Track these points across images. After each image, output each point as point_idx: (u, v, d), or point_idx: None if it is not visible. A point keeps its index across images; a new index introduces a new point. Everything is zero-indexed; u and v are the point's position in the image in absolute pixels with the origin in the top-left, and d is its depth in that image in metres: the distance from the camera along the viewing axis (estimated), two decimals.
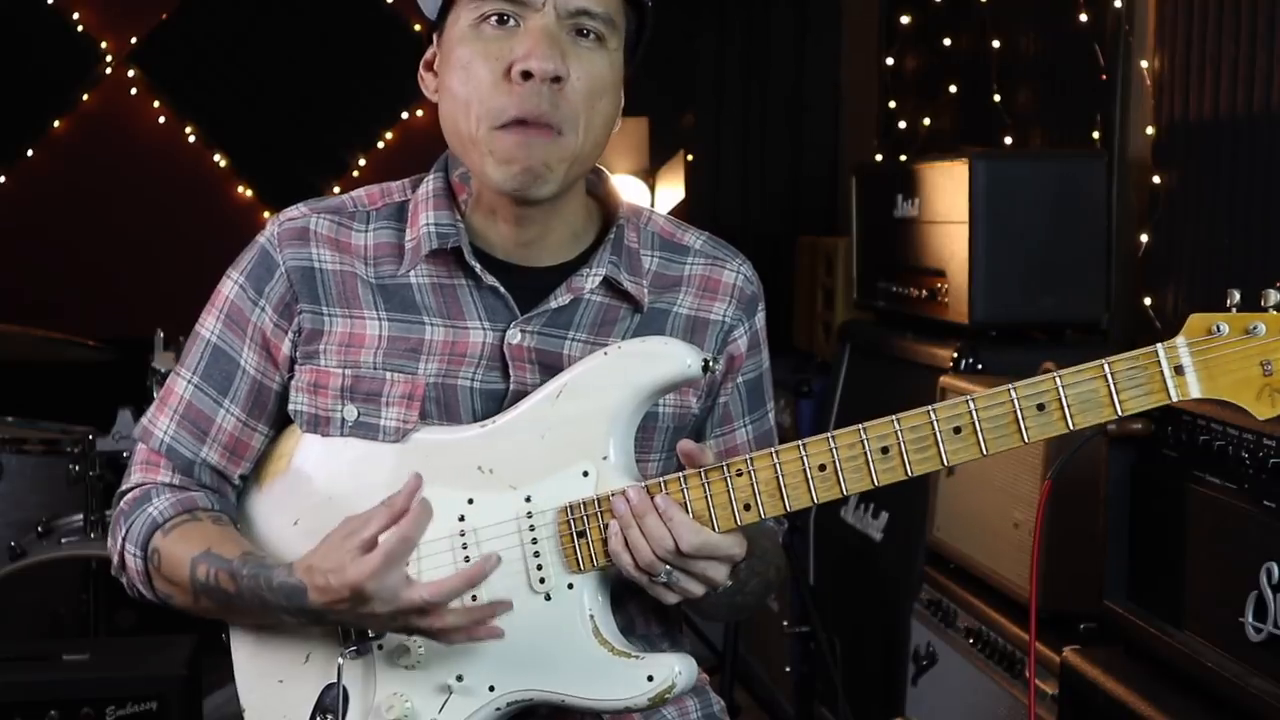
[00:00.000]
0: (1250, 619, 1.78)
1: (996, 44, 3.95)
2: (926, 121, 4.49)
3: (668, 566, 1.45)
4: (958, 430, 1.42)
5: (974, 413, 1.41)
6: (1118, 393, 1.38)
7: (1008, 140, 3.87)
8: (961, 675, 2.68)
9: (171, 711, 2.82)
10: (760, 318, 1.70)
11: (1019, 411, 1.40)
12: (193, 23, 5.93)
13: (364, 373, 1.58)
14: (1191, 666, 1.90)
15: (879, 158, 4.77)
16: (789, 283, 4.77)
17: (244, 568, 1.54)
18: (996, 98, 3.93)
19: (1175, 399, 1.38)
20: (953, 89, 4.29)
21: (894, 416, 1.43)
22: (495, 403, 1.58)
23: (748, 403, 1.70)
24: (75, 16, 5.90)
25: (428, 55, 1.61)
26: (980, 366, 2.97)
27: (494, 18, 1.51)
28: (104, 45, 5.94)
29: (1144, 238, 3.14)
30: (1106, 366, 1.39)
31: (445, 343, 1.59)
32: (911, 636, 2.92)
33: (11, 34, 5.80)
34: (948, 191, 3.12)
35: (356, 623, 1.53)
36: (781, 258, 4.85)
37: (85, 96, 5.96)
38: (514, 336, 1.58)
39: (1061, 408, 1.39)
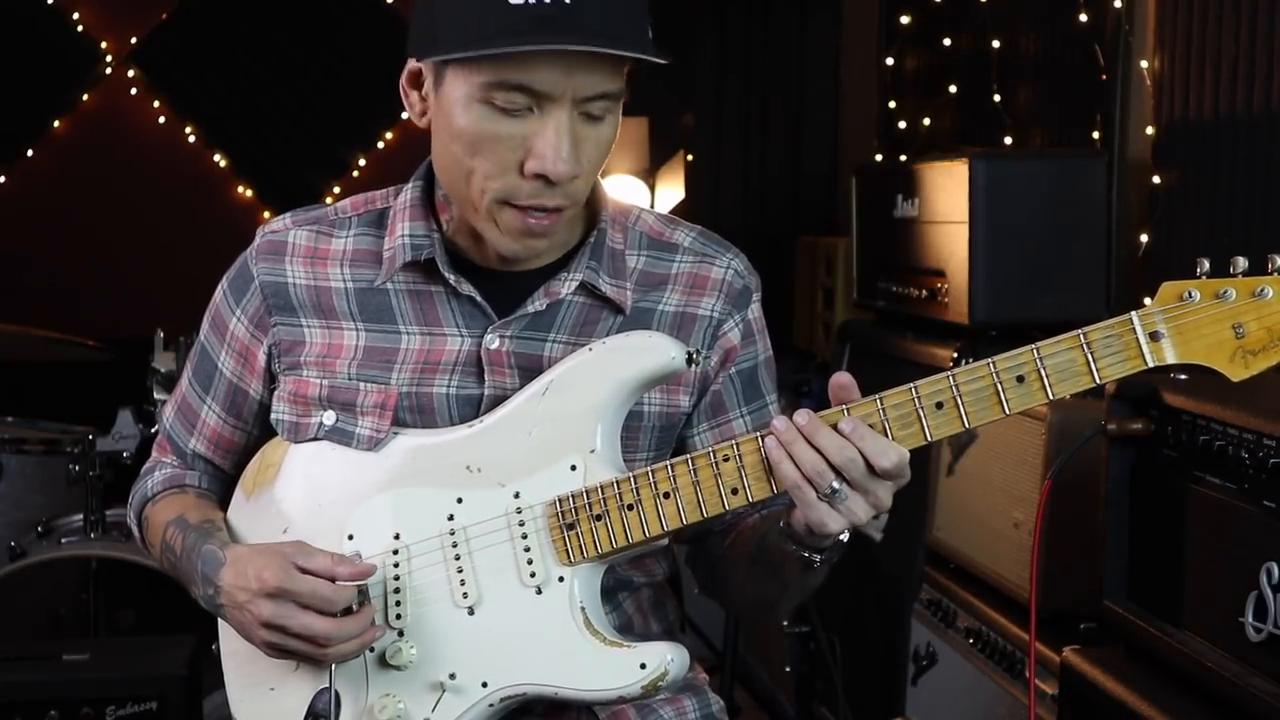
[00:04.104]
0: (1250, 619, 1.78)
1: (996, 44, 3.95)
2: (926, 121, 4.49)
3: (834, 484, 1.40)
4: (940, 405, 1.43)
5: (955, 387, 1.42)
6: (1095, 361, 1.40)
7: (1008, 140, 3.87)
8: (961, 675, 2.68)
9: (171, 711, 2.82)
10: (755, 309, 1.68)
11: (999, 384, 1.42)
12: (193, 23, 5.93)
13: (339, 383, 1.60)
14: (1191, 666, 1.90)
15: (879, 158, 4.77)
16: (789, 283, 4.77)
17: (193, 533, 1.64)
18: (996, 98, 3.93)
19: (1151, 364, 1.40)
20: (953, 89, 4.29)
21: (877, 395, 1.44)
22: (472, 408, 1.58)
23: (743, 393, 1.67)
24: (75, 16, 5.90)
25: (412, 70, 1.56)
26: None
27: (506, 107, 1.47)
28: (104, 45, 5.94)
29: (1144, 238, 3.14)
30: (1082, 336, 1.41)
31: (421, 350, 1.59)
32: (911, 636, 2.92)
33: (11, 34, 5.79)
34: (948, 191, 3.12)
35: (238, 625, 1.56)
36: (781, 258, 4.86)
37: (85, 96, 5.96)
38: (492, 342, 1.58)
39: (1040, 378, 1.41)
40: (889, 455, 1.40)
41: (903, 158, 4.29)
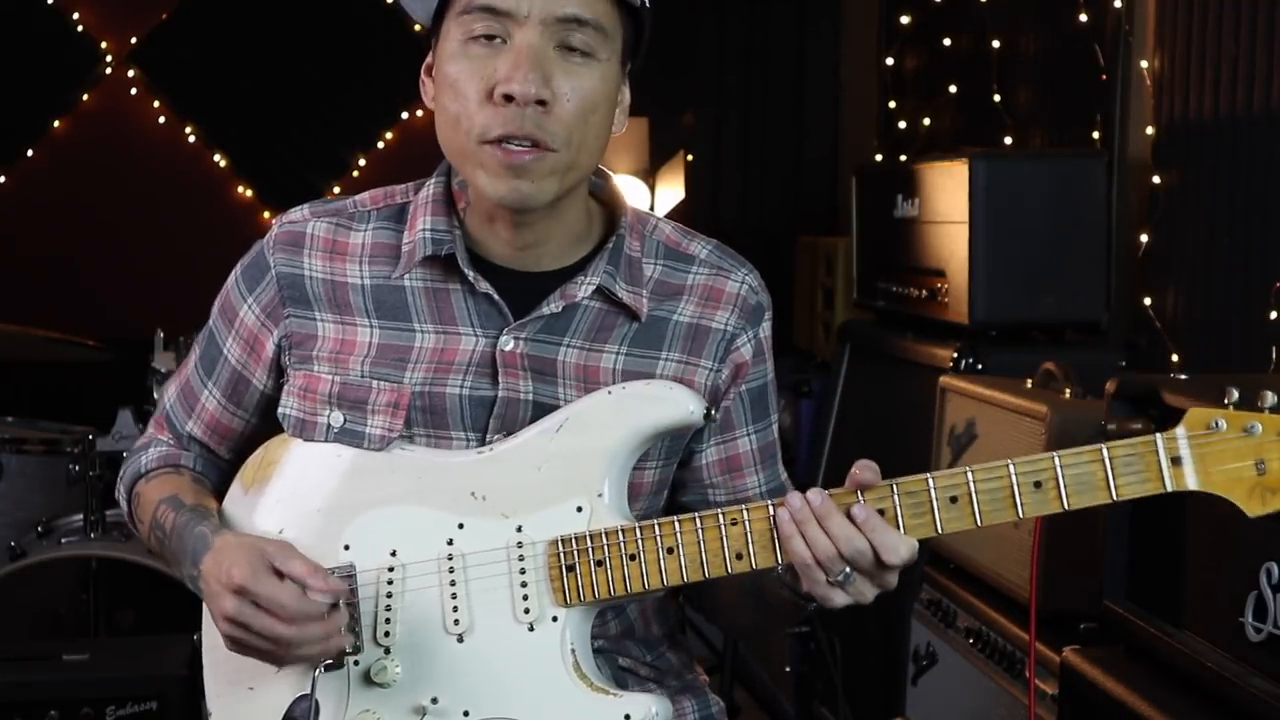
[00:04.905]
0: (1250, 619, 1.79)
1: (996, 44, 3.95)
2: (926, 121, 4.50)
3: (846, 569, 1.42)
4: (954, 500, 1.42)
5: (971, 484, 1.42)
6: (1114, 478, 1.40)
7: (1008, 140, 3.87)
8: (961, 675, 2.68)
9: (171, 711, 2.82)
10: (766, 327, 1.67)
11: (1016, 487, 1.41)
12: (193, 23, 5.92)
13: (351, 380, 1.59)
14: (1191, 666, 1.90)
15: (879, 158, 4.78)
16: (789, 283, 4.78)
17: (185, 513, 1.63)
18: (996, 98, 3.94)
19: (1170, 488, 1.40)
20: (953, 89, 4.29)
21: (892, 481, 1.44)
22: (484, 409, 1.57)
23: (751, 412, 1.67)
24: (75, 16, 5.90)
25: (429, 60, 1.60)
26: (980, 366, 2.97)
27: (481, 33, 1.50)
28: (104, 45, 5.94)
29: (1144, 238, 3.15)
30: (1105, 451, 1.40)
31: (435, 350, 1.58)
32: (911, 636, 2.92)
33: (11, 34, 5.79)
34: (948, 191, 3.12)
35: (209, 605, 1.54)
36: (781, 258, 4.86)
37: (85, 96, 5.96)
38: (507, 343, 1.57)
39: (1058, 487, 1.41)
40: (899, 552, 1.41)
41: (903, 158, 4.29)
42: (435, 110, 1.57)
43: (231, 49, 5.93)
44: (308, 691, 1.53)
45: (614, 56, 1.54)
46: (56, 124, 5.94)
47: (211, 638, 1.65)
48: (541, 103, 1.48)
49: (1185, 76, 3.01)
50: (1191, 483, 1.40)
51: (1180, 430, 1.40)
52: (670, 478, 1.65)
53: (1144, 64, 3.17)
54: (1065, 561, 2.27)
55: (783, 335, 4.91)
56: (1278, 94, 2.73)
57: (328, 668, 1.53)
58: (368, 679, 1.53)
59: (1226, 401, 1.40)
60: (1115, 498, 1.40)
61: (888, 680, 3.10)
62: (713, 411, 1.53)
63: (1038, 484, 1.41)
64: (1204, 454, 1.39)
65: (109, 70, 5.95)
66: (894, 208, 3.42)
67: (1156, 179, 3.11)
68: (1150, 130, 3.14)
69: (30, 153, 5.92)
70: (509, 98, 1.47)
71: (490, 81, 1.49)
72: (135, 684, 2.84)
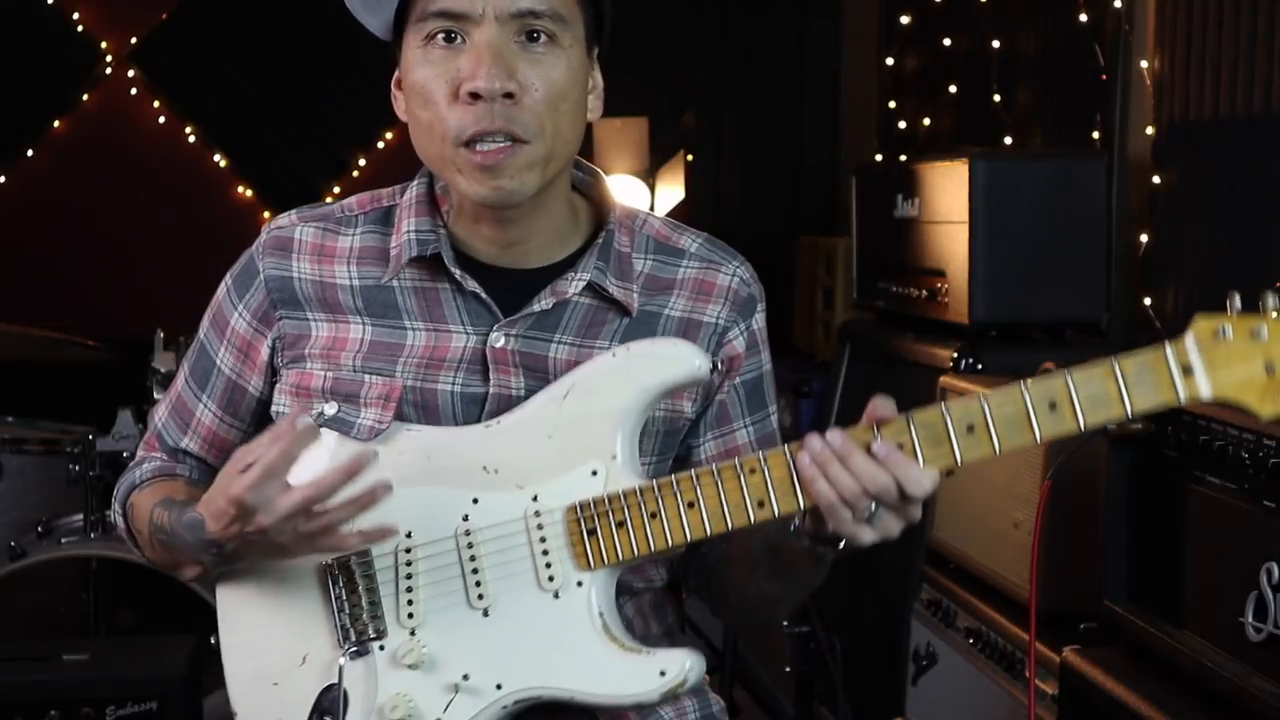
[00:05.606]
0: (1250, 619, 1.79)
1: (996, 44, 3.95)
2: (926, 121, 4.50)
3: (872, 505, 1.42)
4: (970, 428, 1.41)
5: (987, 411, 1.41)
6: (1127, 391, 1.39)
7: (1008, 140, 3.87)
8: (961, 675, 2.68)
9: (171, 711, 2.83)
10: (759, 318, 1.67)
11: (1031, 410, 1.40)
12: (193, 23, 5.93)
13: (344, 375, 1.59)
14: (1191, 666, 1.90)
15: (879, 158, 4.78)
16: (789, 283, 4.78)
17: (178, 507, 1.60)
18: (996, 98, 3.94)
19: (1183, 399, 1.38)
20: (953, 89, 4.29)
21: (908, 412, 1.43)
22: (476, 406, 1.58)
23: (747, 403, 1.68)
24: (75, 16, 5.90)
25: (397, 74, 1.61)
26: (980, 367, 2.97)
27: (440, 35, 1.51)
28: (104, 45, 5.94)
29: (1144, 238, 3.15)
30: (1116, 365, 1.39)
31: (426, 347, 1.59)
32: (911, 636, 2.92)
33: (11, 34, 5.80)
34: (948, 191, 3.12)
35: (258, 551, 1.51)
36: (781, 258, 4.86)
37: (85, 96, 5.96)
38: (497, 340, 1.58)
39: (1073, 406, 1.39)
40: (922, 484, 1.41)
41: (903, 158, 4.29)
42: (409, 121, 1.58)
43: (231, 49, 5.93)
44: (334, 681, 1.53)
45: (577, 43, 1.54)
46: (56, 124, 5.95)
47: (230, 637, 1.65)
48: (509, 95, 1.48)
49: (1185, 76, 3.01)
50: (1204, 390, 1.38)
51: (1189, 338, 1.39)
52: (665, 474, 1.64)
53: (1144, 64, 3.17)
54: (1065, 561, 2.27)
55: (783, 335, 4.93)
56: (1278, 94, 2.73)
57: (354, 655, 1.54)
58: (396, 661, 1.53)
59: (1230, 309, 1.39)
60: (1130, 412, 1.38)
61: (888, 680, 3.10)
62: (716, 364, 1.52)
63: (1053, 405, 1.40)
64: (1214, 360, 1.38)
65: (109, 70, 5.95)
66: (894, 208, 3.42)
67: (1156, 179, 3.11)
68: (1150, 130, 3.14)
69: (30, 153, 5.93)
70: (475, 95, 1.48)
71: (455, 81, 1.50)
72: (135, 684, 2.84)
